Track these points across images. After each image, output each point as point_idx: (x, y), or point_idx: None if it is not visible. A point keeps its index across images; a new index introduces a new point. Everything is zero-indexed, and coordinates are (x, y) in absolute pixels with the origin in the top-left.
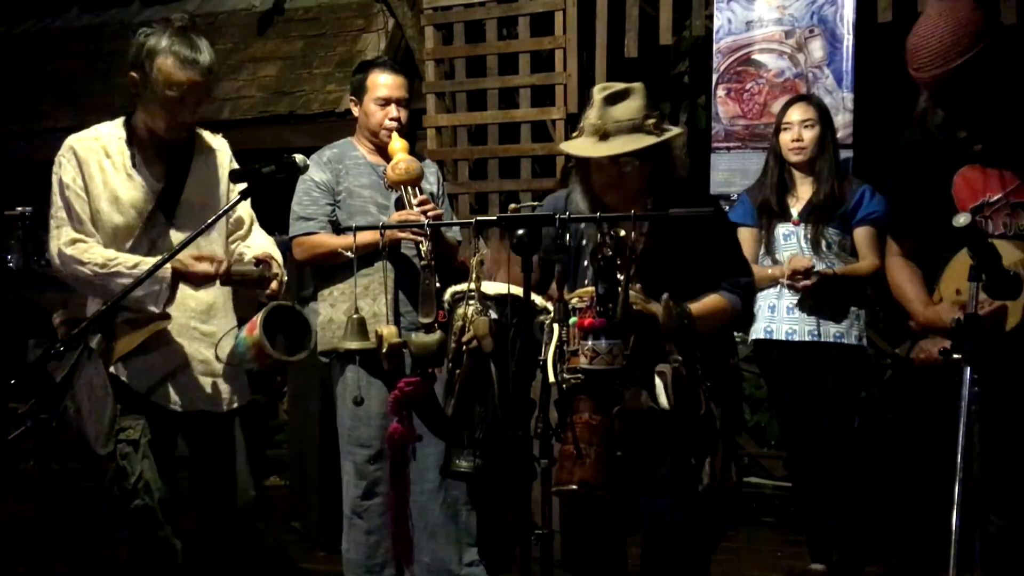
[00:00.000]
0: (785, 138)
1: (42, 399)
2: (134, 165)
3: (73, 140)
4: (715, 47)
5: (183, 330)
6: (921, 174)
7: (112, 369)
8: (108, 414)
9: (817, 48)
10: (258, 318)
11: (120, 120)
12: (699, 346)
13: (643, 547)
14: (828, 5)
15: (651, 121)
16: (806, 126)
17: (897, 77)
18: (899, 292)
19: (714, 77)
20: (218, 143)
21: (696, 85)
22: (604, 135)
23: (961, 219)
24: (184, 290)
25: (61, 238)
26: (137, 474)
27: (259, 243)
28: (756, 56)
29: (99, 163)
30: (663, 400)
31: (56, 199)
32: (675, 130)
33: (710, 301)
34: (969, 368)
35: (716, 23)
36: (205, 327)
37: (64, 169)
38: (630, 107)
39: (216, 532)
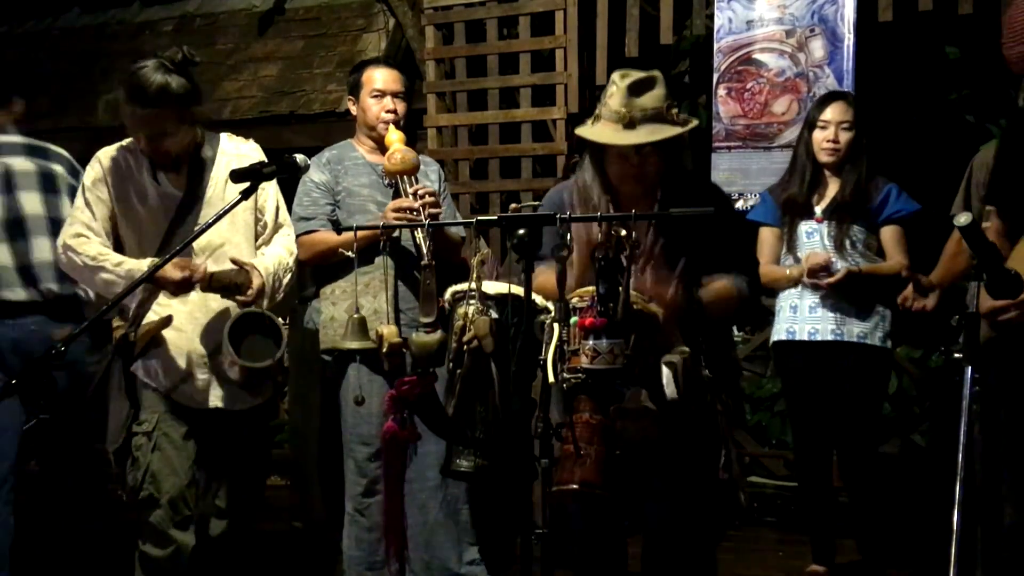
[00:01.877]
0: (819, 136)
1: (49, 399)
2: (155, 175)
3: (100, 153)
4: (716, 46)
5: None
6: (1015, 156)
7: (132, 368)
8: (123, 413)
9: (818, 47)
10: (227, 326)
11: None
12: (703, 337)
13: (644, 547)
14: (829, 4)
15: (674, 110)
16: (844, 128)
17: (898, 76)
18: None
19: (715, 76)
20: (247, 147)
21: (697, 84)
22: (630, 123)
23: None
24: (187, 296)
25: (69, 231)
26: (147, 465)
27: (271, 252)
28: (757, 55)
29: (122, 172)
30: (671, 390)
31: (78, 200)
32: (694, 120)
33: (718, 286)
34: (970, 368)
35: (717, 22)
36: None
37: (88, 175)
38: (655, 96)
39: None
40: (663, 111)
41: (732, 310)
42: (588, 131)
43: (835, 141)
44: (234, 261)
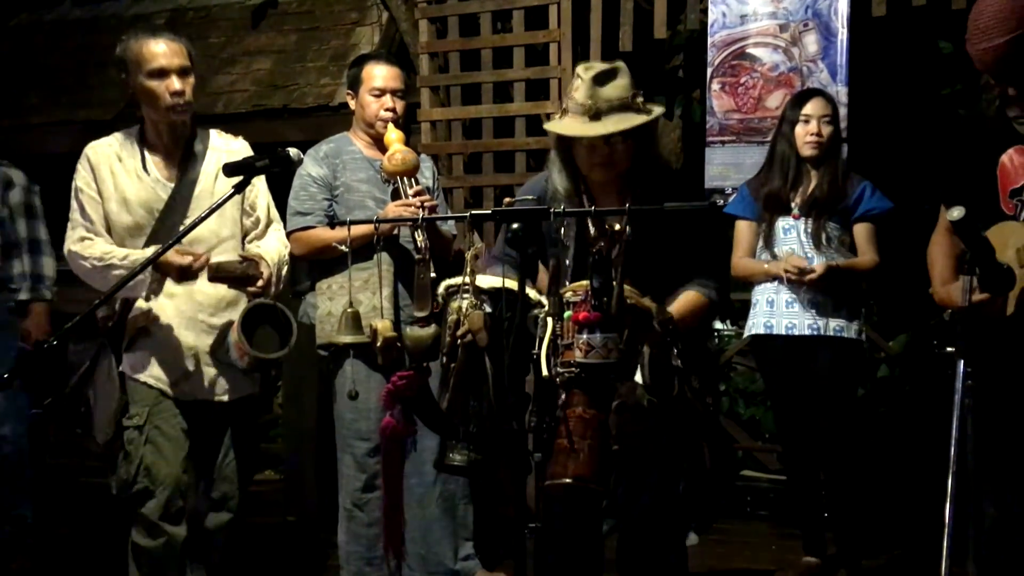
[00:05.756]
0: (801, 131)
1: (49, 390)
2: (144, 167)
3: (88, 147)
4: (710, 41)
5: (191, 323)
6: (969, 151)
7: (121, 366)
8: (113, 405)
9: (811, 42)
10: (238, 316)
11: (135, 128)
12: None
13: (620, 537)
14: None
15: (639, 99)
16: (825, 121)
17: (891, 71)
18: (929, 265)
19: (709, 71)
20: (237, 144)
21: (691, 79)
22: (596, 114)
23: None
24: (193, 283)
25: (72, 237)
26: (139, 458)
27: (268, 245)
28: (750, 50)
29: (111, 167)
30: (637, 377)
31: (72, 202)
32: (659, 108)
33: (689, 300)
34: (962, 361)
35: (710, 17)
36: (214, 320)
37: (79, 175)
38: (619, 86)
39: (206, 520)
40: (629, 100)
41: (704, 319)
42: (556, 125)
43: (818, 135)
44: (241, 254)
